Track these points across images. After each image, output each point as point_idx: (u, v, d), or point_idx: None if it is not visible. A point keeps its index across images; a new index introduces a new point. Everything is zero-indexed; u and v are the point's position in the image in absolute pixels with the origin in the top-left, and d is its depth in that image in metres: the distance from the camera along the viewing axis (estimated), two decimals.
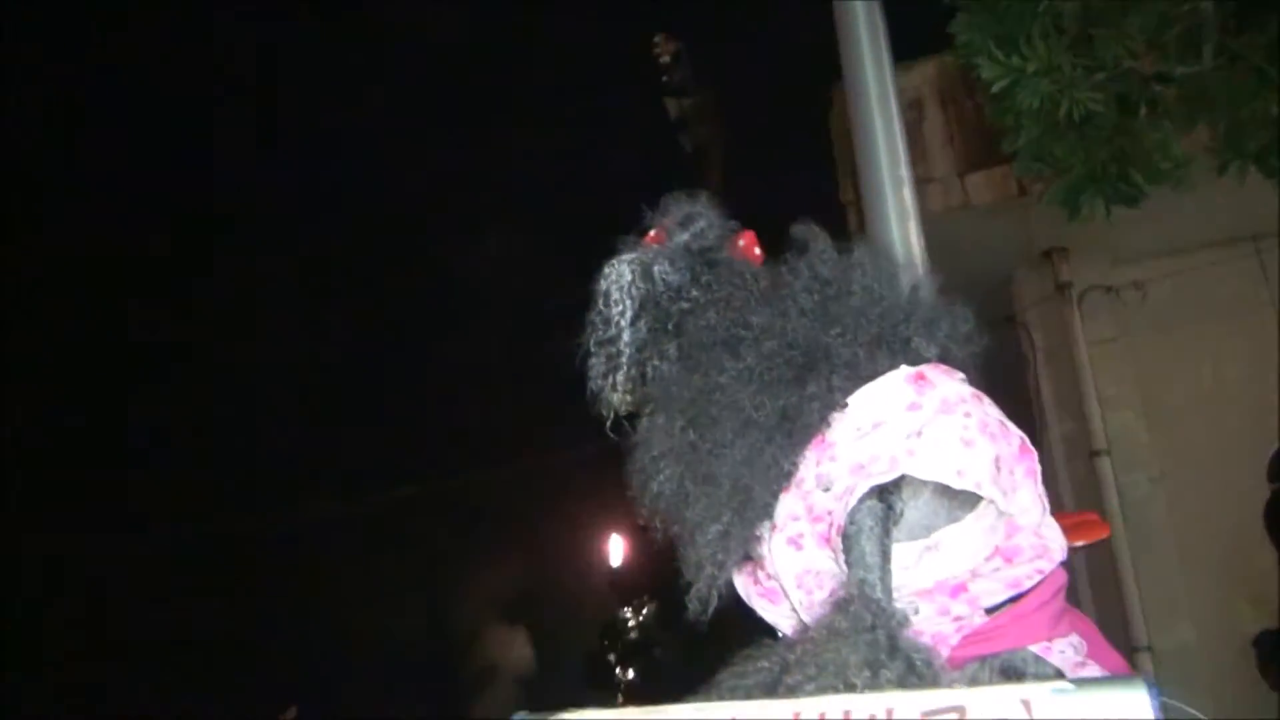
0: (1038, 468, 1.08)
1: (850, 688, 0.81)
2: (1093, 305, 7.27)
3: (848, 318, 1.04)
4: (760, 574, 1.09)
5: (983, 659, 0.94)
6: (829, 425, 1.02)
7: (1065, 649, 0.97)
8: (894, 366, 1.05)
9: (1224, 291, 6.85)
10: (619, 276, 1.17)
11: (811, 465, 1.01)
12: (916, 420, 1.01)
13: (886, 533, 0.95)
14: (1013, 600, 0.97)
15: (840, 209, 7.19)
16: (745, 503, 1.00)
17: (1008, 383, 6.33)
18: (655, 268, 1.15)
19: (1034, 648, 0.95)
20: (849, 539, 0.95)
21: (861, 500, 0.95)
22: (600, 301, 1.17)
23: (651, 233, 1.24)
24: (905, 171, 2.38)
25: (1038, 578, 0.98)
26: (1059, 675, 0.94)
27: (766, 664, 1.03)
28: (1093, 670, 0.97)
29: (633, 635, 29.17)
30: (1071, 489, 7.18)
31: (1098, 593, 6.71)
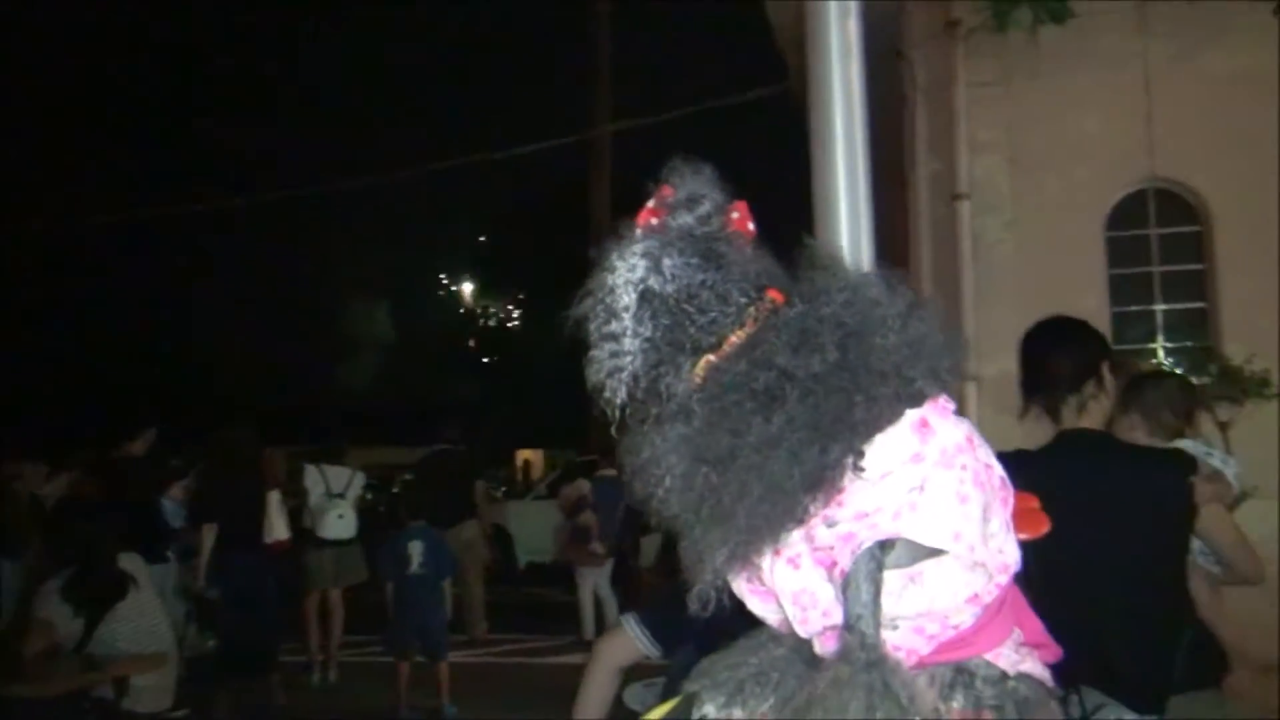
0: (1011, 497, 1.15)
1: None
2: (977, 45, 7.22)
3: (870, 370, 1.04)
4: (756, 578, 1.15)
5: (943, 664, 1.09)
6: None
7: (1009, 651, 1.13)
8: (902, 412, 1.07)
9: (1104, 44, 6.92)
10: (629, 270, 1.09)
11: (818, 505, 1.05)
12: (918, 474, 1.05)
13: (880, 569, 1.04)
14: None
15: None
16: (757, 538, 1.05)
17: (886, 118, 6.36)
18: (665, 261, 1.08)
19: (989, 654, 1.12)
20: (847, 578, 1.05)
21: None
22: (603, 291, 1.10)
23: (650, 205, 1.15)
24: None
25: (998, 592, 1.11)
26: (1003, 675, 1.11)
27: (756, 660, 1.16)
28: (1030, 665, 1.14)
29: (491, 323, 30.06)
30: (930, 229, 7.51)
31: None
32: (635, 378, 1.08)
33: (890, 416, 1.04)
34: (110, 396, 17.59)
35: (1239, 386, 5.84)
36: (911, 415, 1.06)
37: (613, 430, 1.14)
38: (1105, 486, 2.03)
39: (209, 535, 6.10)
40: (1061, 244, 7.17)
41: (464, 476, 8.42)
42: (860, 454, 1.02)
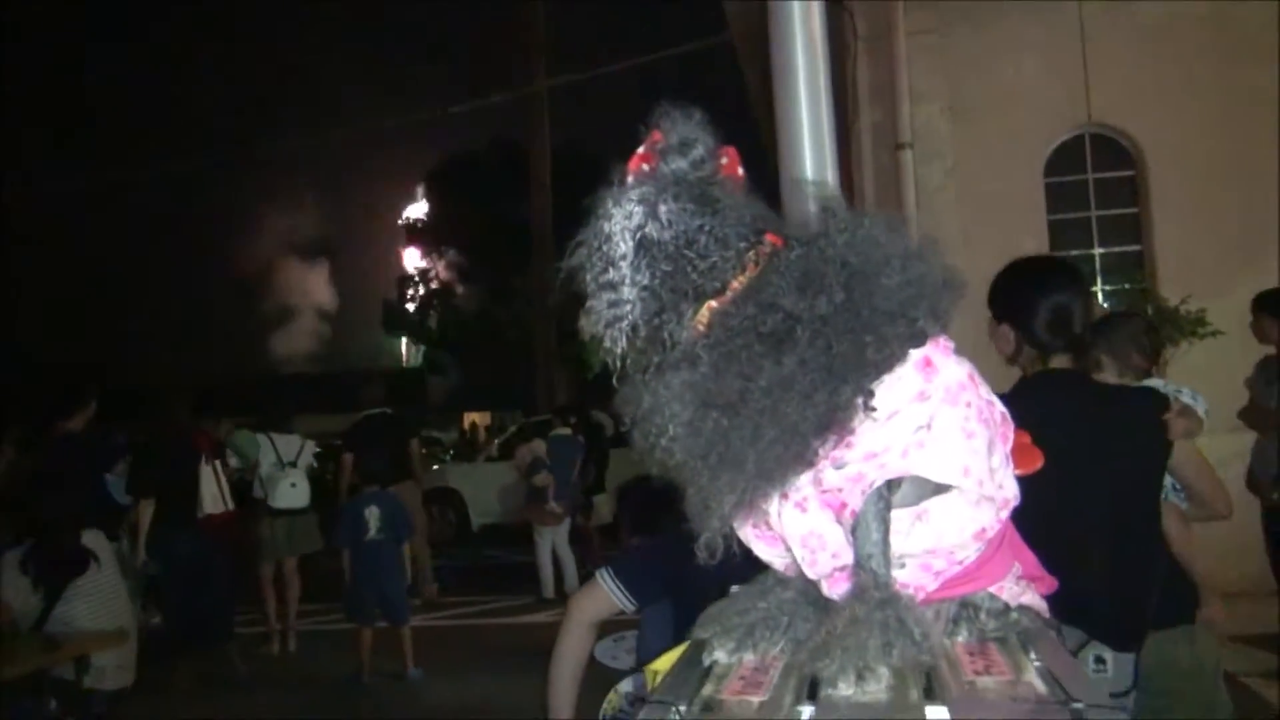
0: (1011, 432, 1.18)
1: (868, 668, 0.97)
2: None
3: (876, 310, 1.04)
4: (762, 523, 1.16)
5: (949, 599, 1.12)
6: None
7: (1011, 584, 1.17)
8: (908, 352, 1.07)
9: None
10: (625, 217, 1.06)
11: (828, 447, 1.06)
12: (925, 411, 1.06)
13: (888, 508, 1.06)
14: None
15: None
16: (767, 482, 1.05)
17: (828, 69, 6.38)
18: (661, 208, 1.06)
19: (992, 588, 1.15)
20: (857, 519, 1.06)
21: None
22: (598, 239, 1.08)
23: (641, 151, 1.14)
24: None
25: (999, 526, 1.14)
26: (1006, 608, 1.15)
27: (765, 604, 1.17)
28: (1030, 597, 1.18)
29: (433, 285, 29.63)
30: (874, 178, 7.57)
31: None
32: (635, 326, 1.07)
33: (899, 356, 1.05)
34: (41, 371, 17.08)
35: (1175, 327, 6.01)
36: (915, 354, 1.08)
37: (614, 380, 1.13)
38: (1081, 426, 2.02)
39: (146, 511, 5.99)
40: (1002, 190, 7.29)
41: (397, 440, 8.31)
42: (870, 394, 1.03)
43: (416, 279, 29.82)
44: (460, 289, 28.33)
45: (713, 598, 1.31)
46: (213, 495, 6.60)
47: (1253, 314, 4.59)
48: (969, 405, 1.09)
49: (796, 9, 2.31)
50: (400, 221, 30.39)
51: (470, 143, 27.15)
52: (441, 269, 28.61)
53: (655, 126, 1.12)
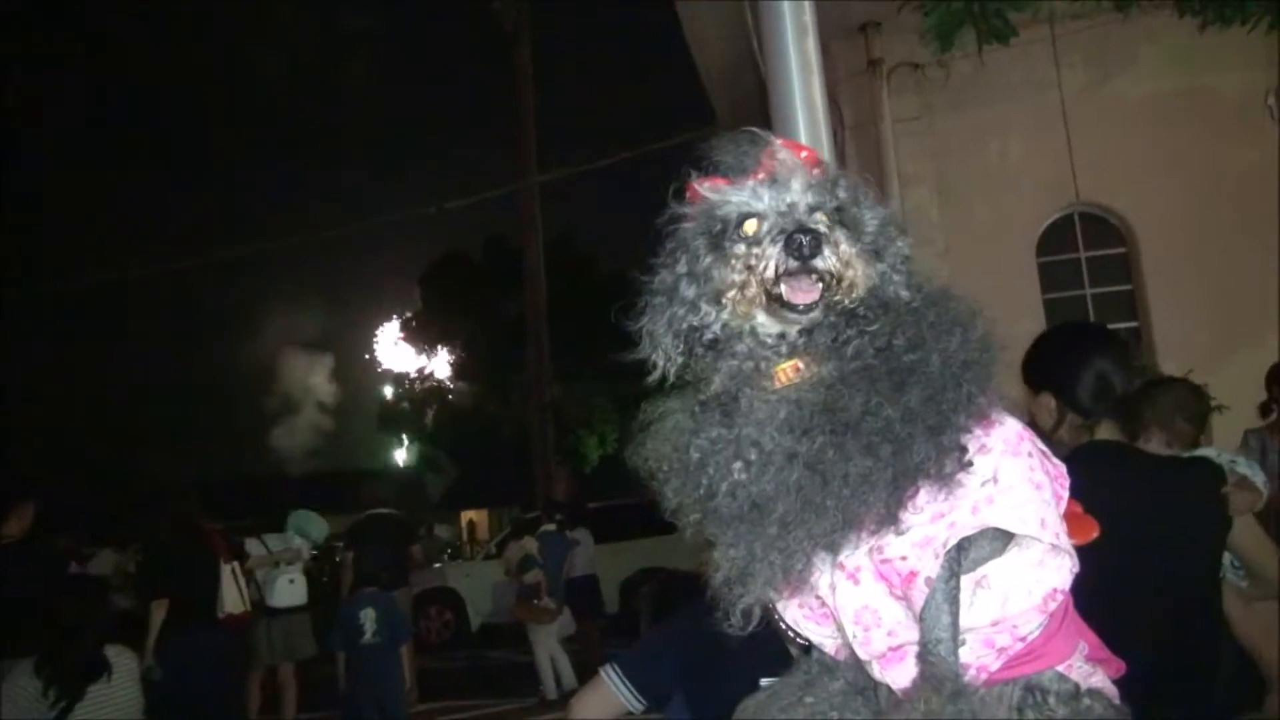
0: (1065, 494, 1.11)
1: None
2: (900, 83, 7.42)
3: (970, 363, 1.00)
4: (809, 602, 1.08)
5: (1012, 681, 1.03)
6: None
7: (1080, 663, 1.08)
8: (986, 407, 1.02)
9: (1018, 75, 7.15)
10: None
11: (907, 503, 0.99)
12: (989, 465, 1.00)
13: (958, 584, 0.99)
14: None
15: None
16: (845, 535, 0.97)
17: None
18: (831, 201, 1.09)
19: (1060, 667, 1.06)
20: (926, 601, 0.97)
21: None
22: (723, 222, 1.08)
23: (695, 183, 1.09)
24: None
25: (1061, 598, 1.06)
26: (1077, 690, 1.05)
27: (811, 699, 1.07)
28: (1098, 679, 1.09)
29: (428, 383, 29.55)
30: None
31: None
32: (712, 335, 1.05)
33: (987, 409, 1.00)
34: None
35: None
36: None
37: (640, 427, 1.05)
38: (1135, 500, 1.87)
39: (159, 612, 5.76)
40: (995, 271, 7.31)
41: (399, 541, 8.14)
42: (964, 448, 0.97)
43: (412, 376, 29.78)
44: (456, 385, 28.28)
45: (740, 693, 1.20)
46: (234, 596, 6.42)
47: (1268, 388, 4.47)
48: (1030, 455, 1.03)
49: (797, 88, 2.31)
50: (394, 319, 30.49)
51: (464, 238, 27.51)
52: (437, 366, 28.60)
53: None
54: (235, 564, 6.55)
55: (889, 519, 0.98)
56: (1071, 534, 1.10)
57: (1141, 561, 1.83)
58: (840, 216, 1.06)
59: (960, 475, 0.99)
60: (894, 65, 7.40)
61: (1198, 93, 7.00)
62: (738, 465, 1.00)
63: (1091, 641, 1.12)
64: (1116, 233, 7.40)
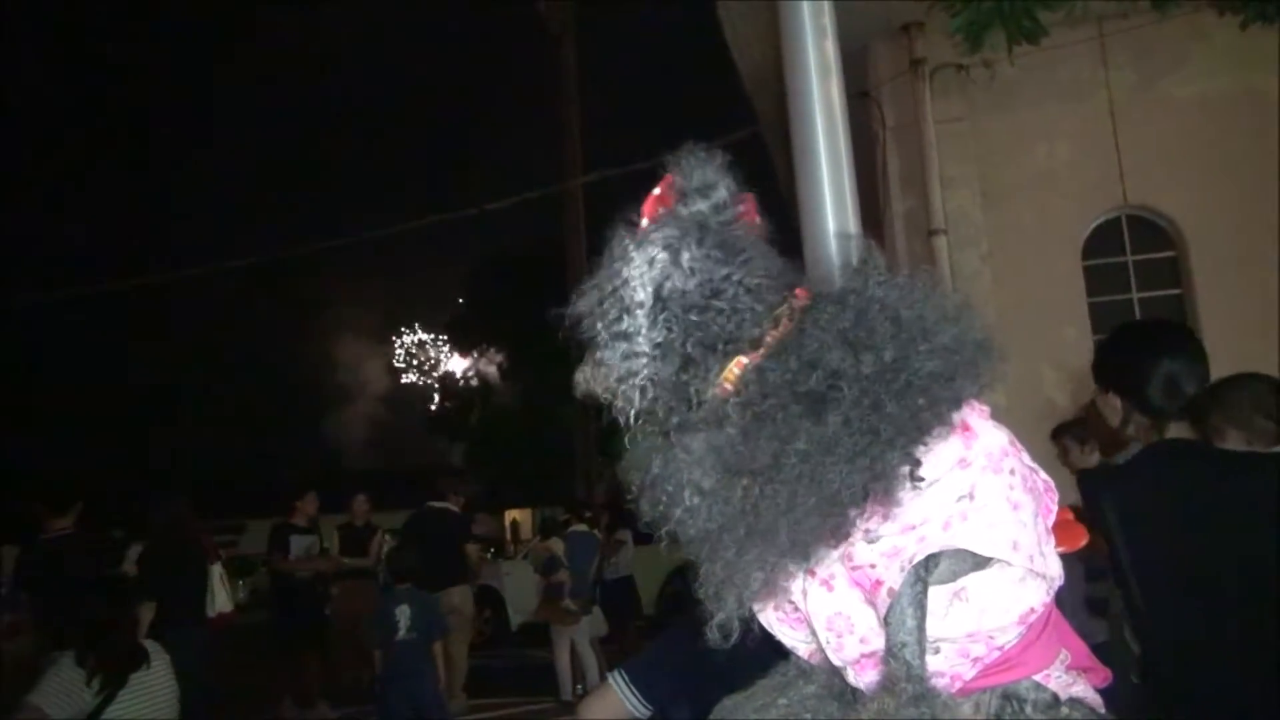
0: (1054, 505, 1.08)
1: None
2: (943, 83, 7.33)
3: (924, 372, 0.96)
4: (784, 606, 1.07)
5: (989, 689, 1.01)
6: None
7: (1059, 673, 1.06)
8: (953, 416, 0.99)
9: (1065, 75, 7.03)
10: (646, 262, 0.98)
11: (865, 518, 0.97)
12: (966, 480, 0.97)
13: (925, 591, 0.97)
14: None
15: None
16: (800, 556, 0.95)
17: (857, 158, 6.40)
18: (684, 254, 0.98)
19: (1038, 676, 1.04)
20: (891, 605, 0.96)
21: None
22: (613, 284, 1.00)
23: (656, 193, 1.06)
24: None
25: (1042, 610, 1.04)
26: (1055, 699, 1.04)
27: (785, 701, 1.07)
28: (1080, 688, 1.07)
29: (473, 383, 29.85)
30: (908, 266, 7.50)
31: None
32: (651, 382, 0.98)
33: (947, 420, 0.97)
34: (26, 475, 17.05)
35: None
36: (954, 418, 0.99)
37: (625, 440, 1.04)
38: (1211, 498, 1.80)
39: (147, 614, 5.86)
40: (1039, 274, 7.19)
41: (456, 538, 8.11)
42: (917, 462, 0.94)
43: (458, 376, 30.08)
44: (499, 384, 28.49)
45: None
46: (222, 596, 6.58)
47: None
48: (1013, 473, 1.00)
49: (815, 89, 2.29)
50: (440, 318, 30.84)
51: (509, 240, 27.68)
52: (482, 366, 28.84)
53: (670, 170, 1.06)
54: (219, 564, 6.73)
55: (839, 537, 0.96)
56: (1061, 542, 1.07)
57: (1218, 561, 1.76)
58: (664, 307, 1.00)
59: (901, 495, 0.96)
60: (937, 66, 7.31)
61: (1249, 92, 6.82)
62: (687, 493, 0.98)
63: (1076, 649, 1.09)
64: (1165, 236, 7.23)
